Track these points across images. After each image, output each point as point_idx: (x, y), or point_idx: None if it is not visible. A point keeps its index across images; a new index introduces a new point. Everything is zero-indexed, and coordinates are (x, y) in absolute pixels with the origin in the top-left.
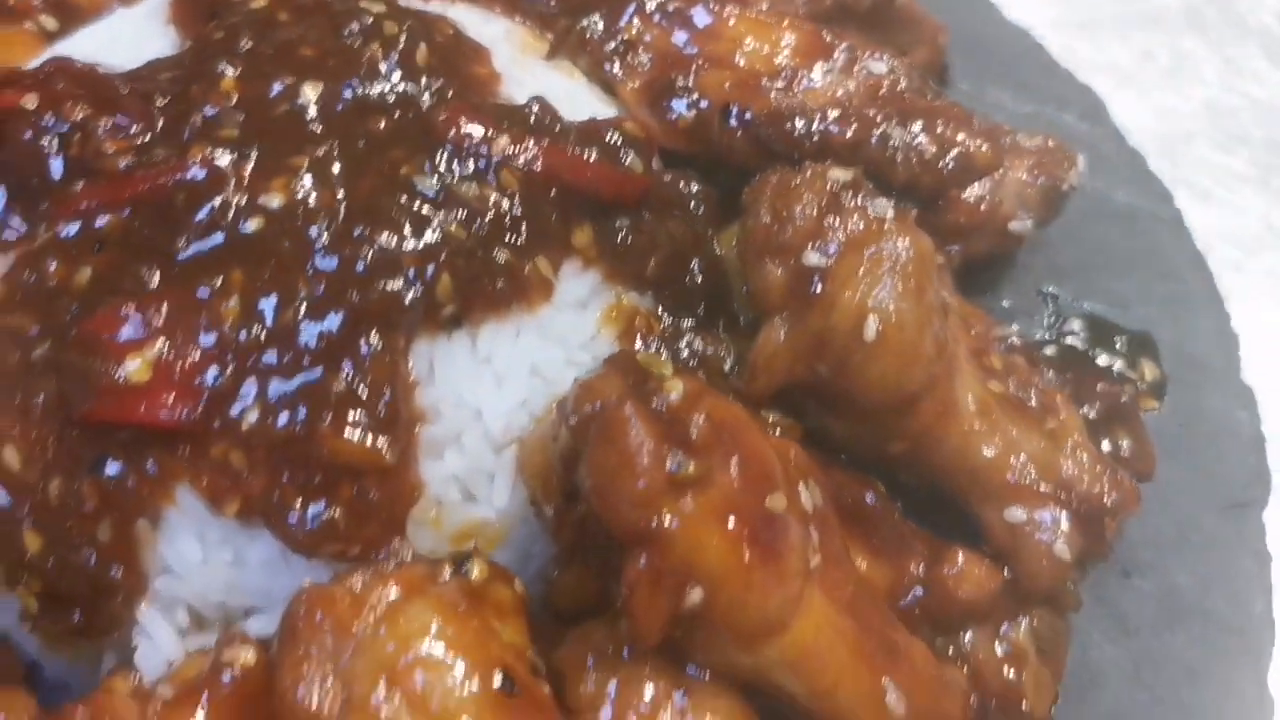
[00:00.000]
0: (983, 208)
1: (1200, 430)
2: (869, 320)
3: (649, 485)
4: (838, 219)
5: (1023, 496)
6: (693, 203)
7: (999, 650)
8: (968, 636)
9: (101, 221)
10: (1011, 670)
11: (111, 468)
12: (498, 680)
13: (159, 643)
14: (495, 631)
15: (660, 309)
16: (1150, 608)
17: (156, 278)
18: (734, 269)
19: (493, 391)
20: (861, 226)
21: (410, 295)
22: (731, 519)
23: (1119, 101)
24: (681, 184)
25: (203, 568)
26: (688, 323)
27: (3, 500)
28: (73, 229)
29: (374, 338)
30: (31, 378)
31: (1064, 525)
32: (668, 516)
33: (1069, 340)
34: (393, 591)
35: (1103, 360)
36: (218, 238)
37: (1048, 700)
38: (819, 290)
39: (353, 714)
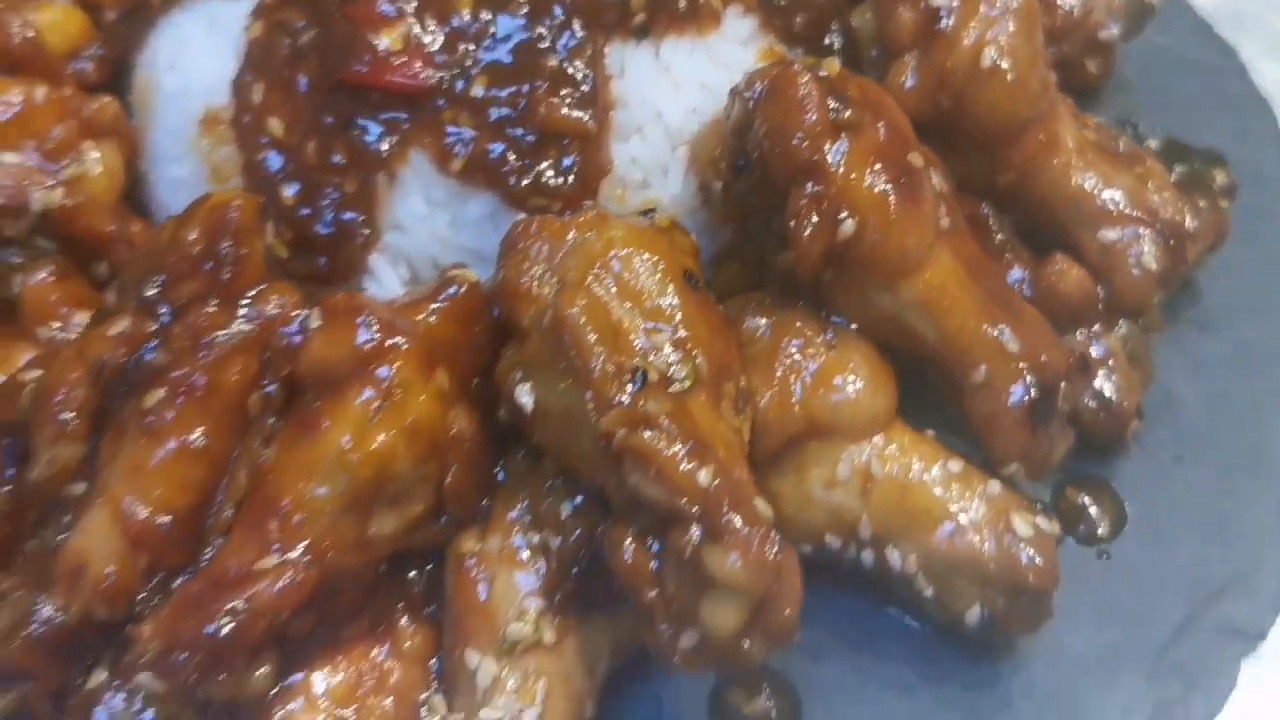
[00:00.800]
0: (1075, 13)
1: (1267, 223)
2: (986, 53)
3: (816, 121)
4: None
5: (1114, 219)
6: None
7: (1094, 352)
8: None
9: None
10: (1104, 370)
11: (360, 127)
12: (684, 275)
13: (387, 288)
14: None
15: None
16: (1225, 355)
17: None
18: (865, 37)
19: (670, 95)
20: None
21: None
22: (880, 162)
23: None
24: None
25: (426, 223)
26: None
27: (273, 161)
28: None
29: (580, 31)
30: (296, 60)
31: (1151, 242)
32: (829, 149)
33: None
34: (595, 214)
35: (1179, 169)
36: None
37: (1137, 398)
38: (944, 26)
39: (566, 292)
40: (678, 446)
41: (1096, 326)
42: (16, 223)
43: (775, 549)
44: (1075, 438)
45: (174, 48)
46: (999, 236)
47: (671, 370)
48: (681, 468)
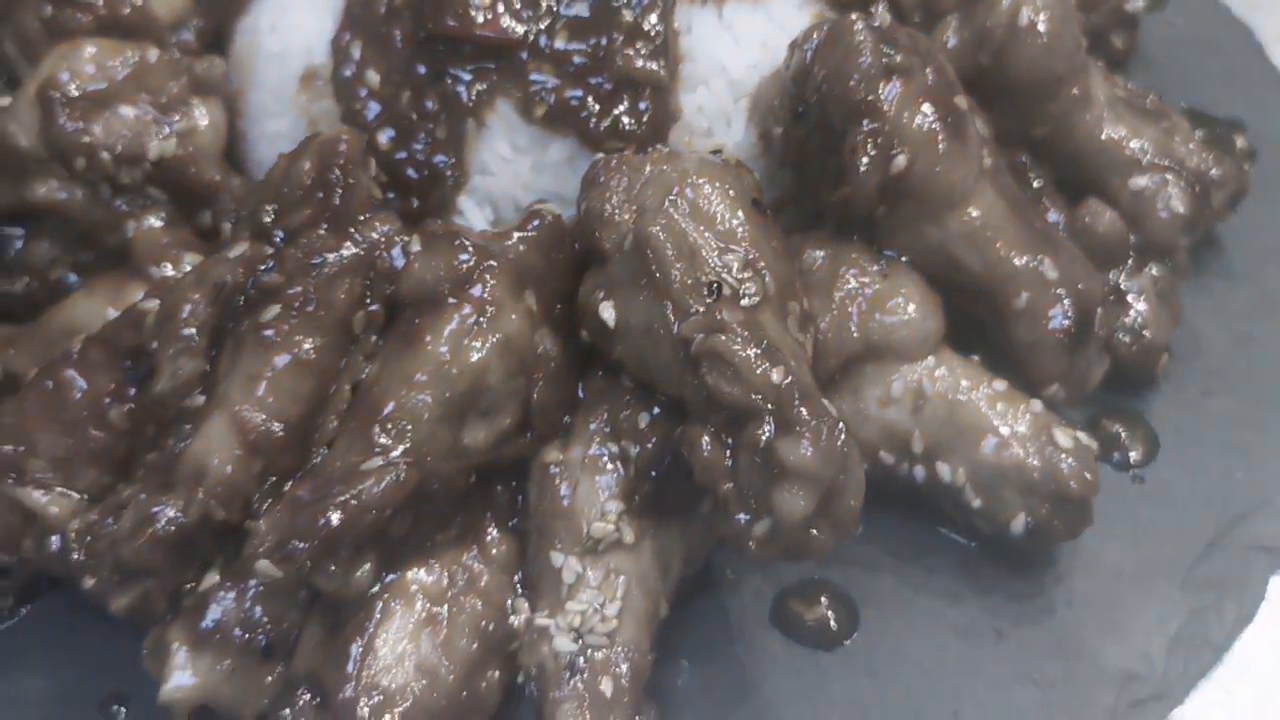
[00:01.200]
0: None
1: None
2: (1023, 12)
3: (870, 65)
4: None
5: (1144, 168)
6: None
7: (1127, 290)
8: None
9: None
10: (1136, 306)
11: (451, 77)
12: (751, 203)
13: (474, 227)
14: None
15: None
16: (1249, 301)
17: None
18: (909, 4)
19: (733, 50)
20: None
21: None
22: (929, 103)
23: None
24: None
25: (510, 166)
26: None
27: (372, 109)
28: None
29: None
30: (391, 17)
31: (1178, 188)
32: (883, 90)
33: None
34: (668, 151)
35: (1201, 133)
36: None
37: (1167, 332)
38: None
39: (646, 215)
40: (752, 349)
41: (1129, 265)
42: (133, 169)
43: (843, 438)
44: (1110, 366)
45: (275, 13)
46: (1036, 184)
47: (742, 287)
48: (756, 368)
